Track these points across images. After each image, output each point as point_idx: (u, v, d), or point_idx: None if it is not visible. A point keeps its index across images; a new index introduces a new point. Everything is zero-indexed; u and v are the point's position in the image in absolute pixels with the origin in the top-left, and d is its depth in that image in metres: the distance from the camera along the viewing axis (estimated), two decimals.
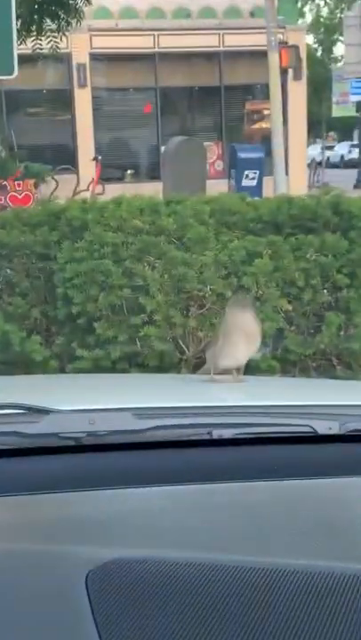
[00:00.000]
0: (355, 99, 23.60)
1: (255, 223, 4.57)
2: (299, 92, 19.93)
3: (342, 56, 25.06)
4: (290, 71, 17.77)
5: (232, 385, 1.83)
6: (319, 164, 28.86)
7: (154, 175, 18.52)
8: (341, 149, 40.71)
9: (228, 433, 1.13)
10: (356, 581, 0.82)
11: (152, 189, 7.23)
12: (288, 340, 4.48)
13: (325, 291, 4.52)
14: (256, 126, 21.67)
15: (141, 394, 1.66)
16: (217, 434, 1.13)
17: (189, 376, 3.44)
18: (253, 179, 16.31)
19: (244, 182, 15.90)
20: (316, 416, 1.21)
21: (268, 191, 12.99)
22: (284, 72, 16.14)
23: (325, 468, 1.11)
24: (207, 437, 1.13)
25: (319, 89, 27.79)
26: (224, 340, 2.06)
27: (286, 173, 14.52)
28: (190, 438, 1.13)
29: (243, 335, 2.01)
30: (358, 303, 4.44)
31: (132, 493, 1.03)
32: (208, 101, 21.19)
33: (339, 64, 29.02)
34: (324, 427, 1.15)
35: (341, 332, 4.53)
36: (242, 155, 16.89)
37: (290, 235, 4.54)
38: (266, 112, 18.02)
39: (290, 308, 4.50)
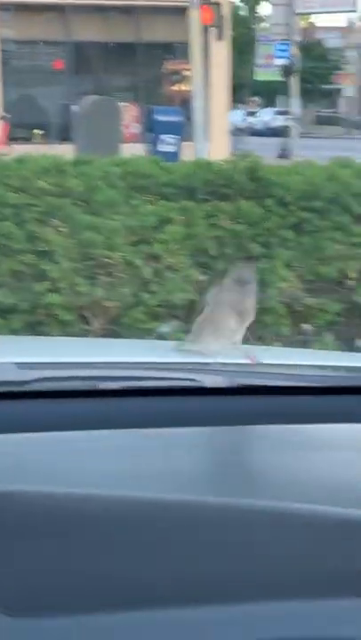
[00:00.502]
0: (280, 62, 23.75)
1: (168, 188, 4.62)
2: (221, 53, 19.97)
3: (268, 16, 25.23)
4: (212, 30, 17.81)
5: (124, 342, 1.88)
6: (242, 130, 29.06)
7: (65, 136, 18.33)
8: (265, 116, 41.03)
9: (114, 385, 1.22)
10: (240, 514, 0.90)
11: (63, 152, 7.19)
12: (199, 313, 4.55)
13: (239, 261, 4.61)
14: (176, 88, 21.67)
15: (35, 351, 1.72)
16: (103, 385, 1.21)
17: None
18: (172, 144, 16.34)
19: (162, 147, 15.91)
20: (205, 371, 1.31)
21: (186, 157, 13.02)
22: (206, 31, 16.16)
23: (213, 419, 1.21)
24: (94, 389, 1.21)
25: (243, 51, 28.00)
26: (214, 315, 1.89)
27: (207, 139, 14.58)
28: (76, 389, 1.22)
29: (234, 313, 1.86)
30: (273, 275, 4.53)
31: (9, 438, 1.10)
32: (124, 59, 21.08)
33: (264, 24, 29.21)
34: (211, 380, 1.26)
35: (256, 305, 4.62)
36: (160, 118, 16.90)
37: (204, 201, 4.60)
38: (186, 73, 18.01)
39: (202, 278, 4.58)
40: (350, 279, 4.78)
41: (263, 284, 4.60)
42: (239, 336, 1.80)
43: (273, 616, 0.80)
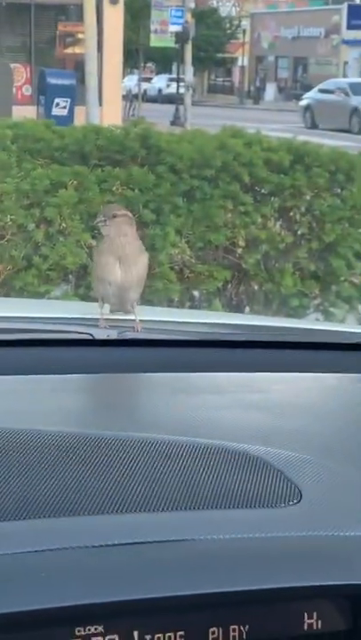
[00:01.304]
0: (174, 29, 23.69)
1: (61, 152, 4.62)
2: (115, 17, 19.80)
3: None
4: None
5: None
6: (135, 96, 28.95)
7: None
8: (159, 82, 41.00)
9: (11, 336, 1.31)
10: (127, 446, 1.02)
11: None
12: (91, 277, 4.58)
13: None
14: (69, 50, 21.42)
15: None
16: (1, 337, 1.30)
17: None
18: (64, 107, 16.20)
19: (55, 111, 15.76)
20: (96, 325, 1.40)
21: (80, 121, 12.92)
22: None
23: (102, 367, 1.29)
24: None
25: (137, 16, 27.75)
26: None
27: (100, 104, 14.48)
28: None
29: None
30: (164, 240, 4.59)
31: None
32: (16, 19, 20.70)
33: None
34: (102, 334, 1.34)
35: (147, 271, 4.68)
36: (52, 80, 16.71)
37: (96, 166, 4.62)
38: (80, 36, 17.81)
39: (94, 243, 4.60)
40: (239, 247, 4.88)
41: (154, 250, 4.66)
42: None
43: (158, 522, 0.89)
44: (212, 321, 1.77)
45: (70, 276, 4.66)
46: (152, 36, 27.95)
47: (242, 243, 4.88)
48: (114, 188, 4.56)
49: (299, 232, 5.08)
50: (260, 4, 54.87)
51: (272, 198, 5.00)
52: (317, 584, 0.83)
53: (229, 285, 5.00)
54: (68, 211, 4.45)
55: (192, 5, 23.94)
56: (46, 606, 0.76)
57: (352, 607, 0.86)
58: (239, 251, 4.87)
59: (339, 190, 5.07)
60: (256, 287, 5.06)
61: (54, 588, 0.78)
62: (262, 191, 4.99)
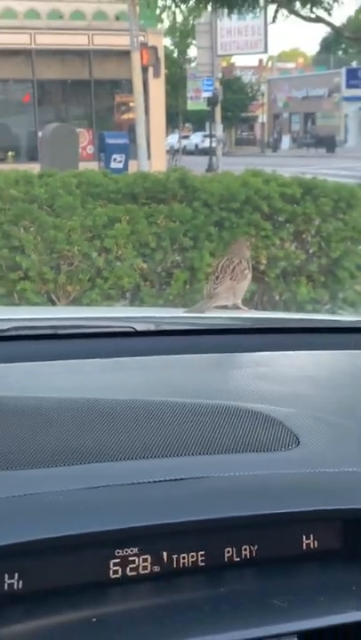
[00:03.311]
0: (206, 94, 23.73)
1: (115, 194, 4.65)
2: (158, 88, 19.91)
3: (195, 57, 25.17)
4: (150, 69, 17.77)
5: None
6: (177, 150, 29.00)
7: (33, 157, 18.15)
8: (196, 139, 41.01)
9: (69, 330, 1.33)
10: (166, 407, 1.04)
11: (31, 169, 7.17)
12: (143, 293, 4.61)
13: (174, 251, 4.67)
14: (123, 117, 21.56)
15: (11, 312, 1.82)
16: (60, 331, 1.32)
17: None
18: (120, 162, 16.29)
19: (112, 165, 15.85)
20: (139, 322, 1.41)
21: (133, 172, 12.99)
22: (145, 70, 16.13)
23: (142, 351, 1.31)
24: (53, 332, 1.34)
25: (176, 86, 27.84)
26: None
27: (148, 157, 14.58)
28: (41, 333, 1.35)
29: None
30: (200, 261, 4.60)
31: None
32: (80, 93, 20.92)
33: (192, 64, 29.14)
34: (143, 327, 1.35)
35: (187, 286, 4.69)
36: (110, 140, 16.83)
37: (144, 204, 4.64)
38: (131, 104, 17.94)
39: (145, 266, 4.62)
40: (262, 264, 4.87)
41: (193, 270, 4.67)
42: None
43: (182, 464, 0.90)
44: (231, 315, 1.78)
45: (127, 294, 4.68)
46: (188, 101, 28.07)
47: (264, 261, 4.86)
48: (159, 221, 4.58)
49: (310, 251, 5.06)
50: (275, 71, 54.77)
51: (287, 224, 4.98)
52: (313, 509, 0.83)
53: (255, 296, 4.98)
54: (122, 241, 4.48)
55: (220, 75, 23.93)
56: (91, 530, 0.77)
57: (344, 529, 0.85)
58: (262, 267, 4.86)
59: (342, 215, 5.04)
60: (277, 297, 5.04)
61: (97, 516, 0.78)
62: (279, 219, 4.98)
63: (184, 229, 4.58)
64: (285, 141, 46.02)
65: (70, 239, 4.41)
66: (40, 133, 16.76)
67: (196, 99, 26.67)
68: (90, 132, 20.49)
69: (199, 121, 39.82)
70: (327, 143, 39.73)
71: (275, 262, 4.87)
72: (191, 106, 28.69)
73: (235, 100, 41.22)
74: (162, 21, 22.75)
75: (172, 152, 28.72)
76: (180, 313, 1.93)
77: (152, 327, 1.40)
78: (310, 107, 46.86)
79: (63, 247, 4.39)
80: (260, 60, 52.51)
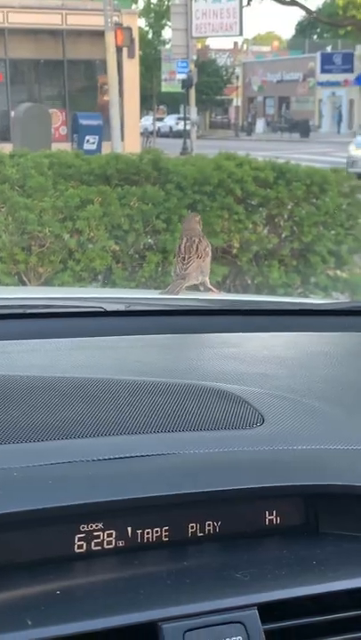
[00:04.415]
0: (181, 77, 23.60)
1: (88, 175, 4.62)
2: (132, 69, 19.78)
3: (170, 39, 25.01)
4: (124, 50, 17.62)
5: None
6: (151, 133, 28.89)
7: (5, 137, 17.96)
8: (170, 121, 40.87)
9: (40, 310, 1.34)
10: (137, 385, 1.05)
11: (2, 148, 7.09)
12: (115, 275, 4.59)
13: (146, 234, 4.66)
14: (105, 98, 21.37)
15: None
16: (30, 310, 1.33)
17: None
18: (93, 143, 16.20)
19: (86, 146, 15.75)
20: (109, 302, 1.42)
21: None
22: (119, 51, 15.99)
23: (109, 331, 1.32)
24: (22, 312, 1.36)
25: (150, 67, 27.69)
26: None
27: (122, 139, 14.49)
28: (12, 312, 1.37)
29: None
30: (173, 244, 4.59)
31: None
32: (53, 73, 20.71)
33: (167, 46, 28.94)
34: (112, 307, 1.36)
35: (160, 269, 4.69)
36: (83, 122, 16.72)
37: (117, 186, 4.62)
38: (105, 86, 17.79)
39: (117, 248, 4.61)
40: (235, 248, 4.88)
41: (165, 252, 4.67)
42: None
43: (147, 441, 0.92)
44: (203, 297, 1.78)
45: (99, 276, 4.67)
46: (163, 83, 27.92)
47: (237, 245, 4.87)
48: (131, 203, 4.56)
49: (283, 235, 5.07)
50: (250, 54, 54.58)
51: (260, 208, 4.99)
52: (275, 485, 0.85)
53: (227, 280, 4.99)
54: (95, 223, 4.45)
55: (194, 58, 23.81)
56: (55, 505, 0.77)
57: (305, 505, 0.87)
58: (234, 251, 4.87)
59: (314, 200, 5.06)
60: (249, 281, 5.06)
61: (62, 491, 0.79)
62: (252, 202, 4.98)
63: (157, 212, 4.57)
64: (260, 125, 45.98)
65: (42, 220, 4.37)
66: (12, 113, 16.59)
67: (171, 81, 26.54)
68: (63, 112, 20.32)
69: (173, 103, 39.68)
70: (301, 128, 39.76)
71: (247, 246, 4.88)
72: (165, 88, 28.57)
73: (209, 82, 41.05)
74: (136, 2, 22.61)
75: (146, 134, 28.60)
76: (152, 295, 1.93)
77: (122, 308, 1.40)
78: (285, 91, 46.80)
79: (34, 228, 4.35)
80: (235, 43, 52.37)
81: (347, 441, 0.93)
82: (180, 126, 32.33)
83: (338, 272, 5.21)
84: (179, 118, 36.80)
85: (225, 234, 4.78)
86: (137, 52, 19.93)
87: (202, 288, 1.85)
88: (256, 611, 0.72)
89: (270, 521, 0.86)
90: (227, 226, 4.78)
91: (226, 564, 0.80)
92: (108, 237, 4.50)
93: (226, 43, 54.99)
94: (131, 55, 19.18)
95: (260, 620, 0.72)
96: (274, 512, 0.86)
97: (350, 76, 40.07)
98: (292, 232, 5.02)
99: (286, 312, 1.55)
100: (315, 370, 1.23)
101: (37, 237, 4.40)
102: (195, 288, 1.85)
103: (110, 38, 13.66)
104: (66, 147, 15.25)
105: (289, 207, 5.02)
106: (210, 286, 1.86)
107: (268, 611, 0.73)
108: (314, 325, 1.46)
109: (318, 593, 0.75)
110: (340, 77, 41.06)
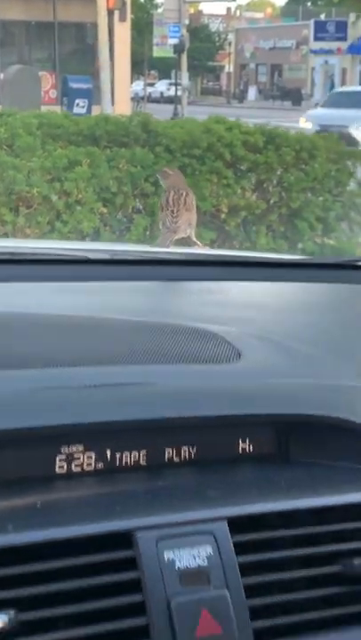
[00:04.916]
0: (172, 42, 23.33)
1: (76, 136, 4.61)
2: (123, 32, 19.53)
3: (162, 3, 24.68)
4: (116, 13, 17.40)
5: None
6: (142, 98, 28.63)
7: None
8: (161, 86, 40.49)
9: (28, 257, 1.38)
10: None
11: None
12: (103, 238, 4.60)
13: (134, 197, 4.66)
14: (93, 62, 21.12)
15: None
16: (17, 256, 1.36)
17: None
18: (83, 107, 16.03)
19: (75, 109, 15.59)
20: (93, 253, 1.45)
21: None
22: (111, 13, 15.79)
23: (92, 277, 1.35)
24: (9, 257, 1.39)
25: (142, 31, 27.36)
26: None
27: (112, 104, 14.37)
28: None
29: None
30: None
31: None
32: (43, 35, 20.45)
33: (159, 10, 28.57)
34: (96, 255, 1.39)
35: (147, 232, 4.70)
36: (73, 85, 16.54)
37: (106, 147, 4.62)
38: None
39: (105, 210, 4.61)
40: (223, 212, 4.90)
41: (154, 216, 4.67)
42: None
43: (129, 371, 0.95)
44: (187, 250, 1.82)
45: (87, 238, 4.68)
46: (154, 47, 27.61)
47: (225, 209, 4.88)
48: (120, 166, 4.56)
49: (271, 200, 5.09)
50: (243, 20, 53.97)
51: (249, 173, 5.00)
52: (248, 413, 0.89)
53: (215, 244, 5.01)
54: (83, 184, 4.45)
55: (187, 22, 23.55)
56: (36, 424, 0.81)
57: (277, 434, 0.91)
58: (223, 216, 4.88)
59: (303, 166, 5.07)
60: (237, 246, 5.08)
61: (43, 412, 0.82)
62: (241, 167, 4.99)
63: (146, 174, 4.57)
64: (252, 92, 45.61)
65: (30, 181, 4.37)
66: (1, 75, 16.39)
67: (163, 45, 26.22)
68: (53, 75, 20.09)
69: (165, 68, 39.27)
70: (293, 96, 39.49)
71: (235, 211, 4.90)
72: (157, 52, 28.24)
73: (201, 48, 40.64)
74: None
75: (137, 99, 28.35)
76: (139, 248, 1.96)
77: (106, 257, 1.44)
78: (277, 58, 46.37)
79: (22, 188, 4.35)
80: (228, 9, 51.79)
81: (319, 376, 0.97)
82: (172, 92, 32.01)
83: (325, 239, 5.24)
84: (170, 84, 36.41)
85: (213, 198, 4.79)
86: (129, 16, 19.68)
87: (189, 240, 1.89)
88: (226, 523, 0.77)
89: (243, 449, 0.90)
90: (215, 190, 4.79)
91: (200, 484, 0.84)
92: (96, 200, 4.50)
93: (219, 8, 54.50)
94: (122, 18, 18.93)
95: (229, 533, 0.77)
96: (247, 440, 0.90)
97: (343, 45, 39.73)
98: (281, 198, 5.04)
99: (271, 264, 1.59)
100: (295, 316, 1.27)
101: (25, 198, 4.40)
102: (182, 242, 1.88)
103: (102, 0, 13.49)
104: (55, 110, 15.09)
105: (278, 173, 5.03)
106: (195, 239, 1.89)
107: (238, 526, 0.78)
108: (297, 277, 1.50)
109: (285, 509, 0.80)
110: (333, 45, 40.69)
